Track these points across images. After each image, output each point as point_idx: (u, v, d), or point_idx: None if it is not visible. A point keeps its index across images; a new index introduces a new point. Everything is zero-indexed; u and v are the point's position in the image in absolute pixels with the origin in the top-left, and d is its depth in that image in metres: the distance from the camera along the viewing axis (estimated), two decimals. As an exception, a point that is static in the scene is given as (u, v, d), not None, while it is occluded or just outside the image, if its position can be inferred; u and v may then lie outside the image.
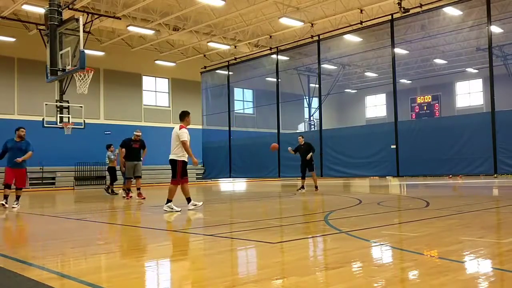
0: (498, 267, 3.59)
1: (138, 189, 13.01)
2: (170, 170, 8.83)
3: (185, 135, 8.73)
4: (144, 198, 12.61)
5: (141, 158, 13.09)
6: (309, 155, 14.99)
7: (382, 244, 4.70)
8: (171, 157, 8.80)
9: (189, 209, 8.81)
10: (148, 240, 5.79)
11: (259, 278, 3.43)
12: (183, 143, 8.69)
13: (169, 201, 8.70)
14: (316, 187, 15.06)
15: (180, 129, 8.76)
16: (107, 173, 25.57)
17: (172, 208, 8.60)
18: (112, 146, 15.95)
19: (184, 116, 8.98)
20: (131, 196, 13.12)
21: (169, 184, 8.85)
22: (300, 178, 15.67)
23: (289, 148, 15.51)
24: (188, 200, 9.00)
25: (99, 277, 3.60)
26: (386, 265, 3.80)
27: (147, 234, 6.32)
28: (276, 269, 3.68)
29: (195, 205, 9.01)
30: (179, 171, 8.72)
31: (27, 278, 3.44)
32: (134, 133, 12.99)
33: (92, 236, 6.05)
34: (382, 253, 4.37)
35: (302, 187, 15.05)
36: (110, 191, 16.11)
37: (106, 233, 6.39)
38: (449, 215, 7.10)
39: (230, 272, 3.77)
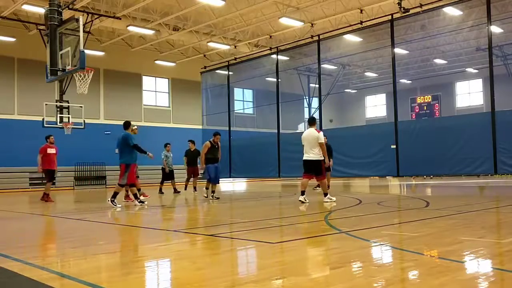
0: (498, 267, 3.59)
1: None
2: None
3: (323, 138, 10.06)
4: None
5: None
6: (329, 162, 13.85)
7: (382, 244, 4.70)
8: (315, 157, 9.95)
9: (325, 201, 10.01)
10: (148, 240, 5.79)
11: (259, 278, 3.43)
12: (322, 145, 9.92)
13: (326, 194, 10.25)
14: (317, 187, 15.07)
15: (318, 133, 9.99)
16: (107, 173, 25.65)
17: (331, 199, 10.11)
18: (169, 145, 15.85)
19: (315, 121, 10.35)
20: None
21: (321, 181, 10.35)
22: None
23: None
24: (325, 194, 10.26)
25: (99, 277, 3.60)
26: (386, 265, 3.80)
27: (147, 234, 6.32)
28: (276, 269, 3.68)
29: (331, 199, 10.16)
30: (324, 168, 10.09)
31: (27, 278, 3.44)
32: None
33: (92, 236, 6.04)
34: (382, 253, 4.37)
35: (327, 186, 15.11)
36: (160, 190, 15.30)
37: (106, 233, 6.39)
38: (449, 215, 7.10)
39: (230, 272, 3.77)
